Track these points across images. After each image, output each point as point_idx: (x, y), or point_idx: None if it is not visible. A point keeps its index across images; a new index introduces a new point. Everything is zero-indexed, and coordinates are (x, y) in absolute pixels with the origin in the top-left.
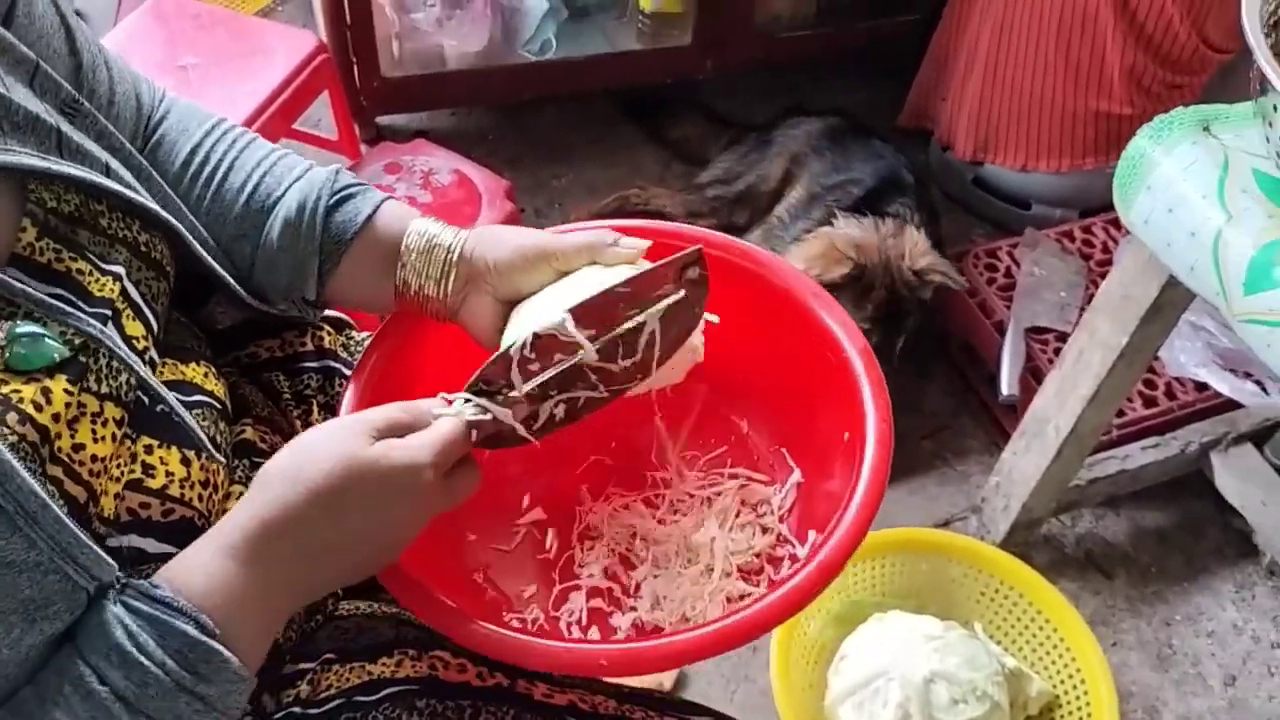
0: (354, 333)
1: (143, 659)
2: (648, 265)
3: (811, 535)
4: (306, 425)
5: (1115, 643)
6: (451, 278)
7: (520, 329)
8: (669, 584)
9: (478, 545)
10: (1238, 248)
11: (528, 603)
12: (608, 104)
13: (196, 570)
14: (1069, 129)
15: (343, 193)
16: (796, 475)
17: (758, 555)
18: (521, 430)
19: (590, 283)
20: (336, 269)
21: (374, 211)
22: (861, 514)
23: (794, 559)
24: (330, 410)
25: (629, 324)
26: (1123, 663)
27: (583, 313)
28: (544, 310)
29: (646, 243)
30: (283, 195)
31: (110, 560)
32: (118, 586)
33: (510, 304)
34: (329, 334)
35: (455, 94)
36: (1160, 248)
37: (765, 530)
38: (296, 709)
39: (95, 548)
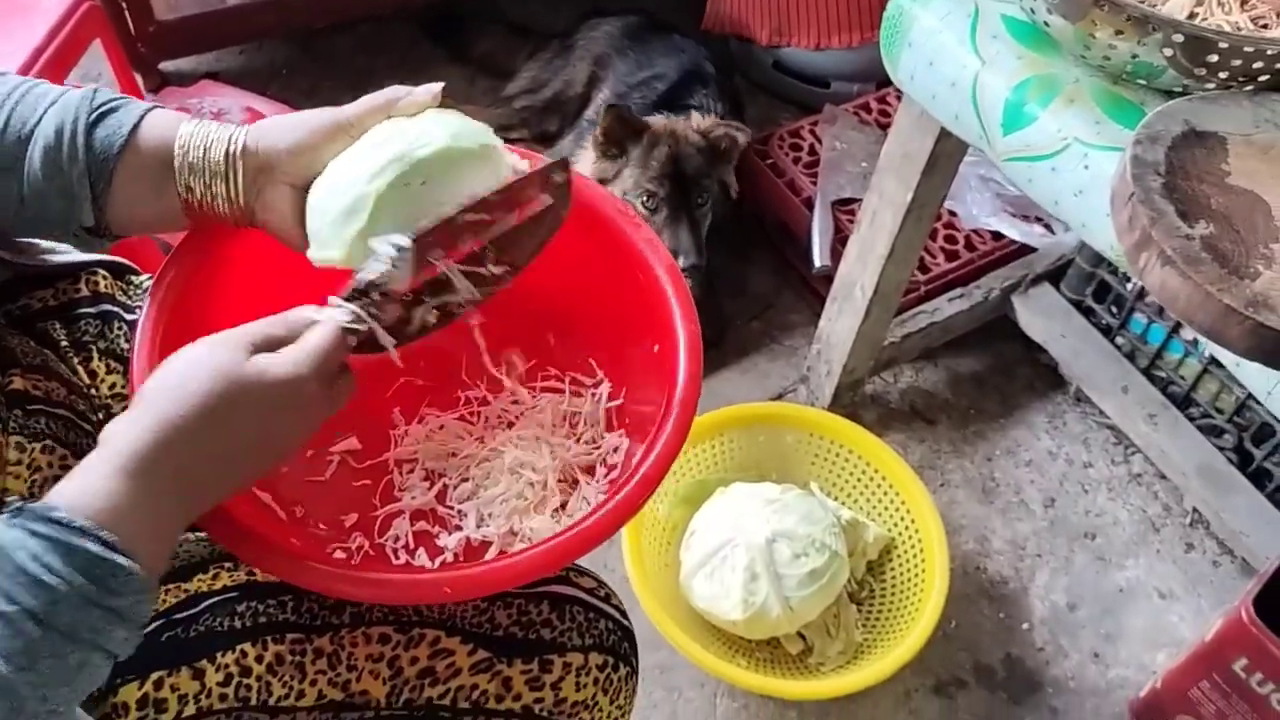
0: (134, 276)
1: (51, 579)
2: (520, 174)
3: (624, 442)
4: (89, 373)
5: (944, 483)
6: (238, 174)
7: (323, 189)
8: (492, 501)
9: (290, 479)
10: (993, 91)
11: (350, 532)
12: (405, 26)
13: (90, 488)
14: (856, 4)
15: (103, 108)
16: (606, 385)
17: (575, 466)
18: (388, 340)
19: (389, 129)
20: (110, 188)
21: (139, 121)
22: (678, 424)
23: (609, 465)
24: (112, 355)
25: (500, 229)
26: (951, 500)
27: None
28: (350, 162)
29: (440, 85)
30: (39, 122)
31: None
32: (12, 511)
33: (307, 189)
34: (104, 278)
35: (238, 30)
36: (927, 101)
37: (580, 439)
38: None
39: None
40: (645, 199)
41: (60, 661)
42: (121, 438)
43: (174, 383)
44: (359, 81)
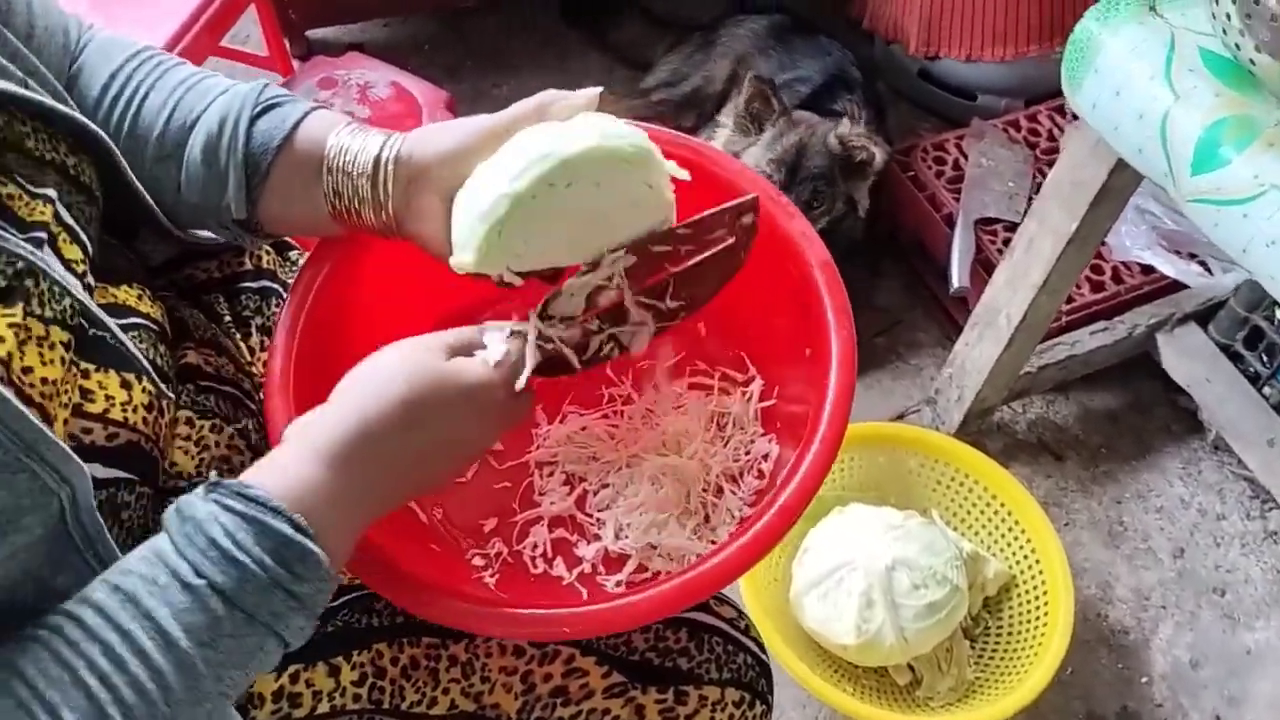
0: (293, 253)
1: (241, 555)
2: (708, 211)
3: (775, 449)
4: (248, 349)
5: (1068, 522)
6: (388, 182)
7: (466, 191)
8: (631, 511)
9: None
10: (1185, 128)
11: (489, 537)
12: (547, 9)
13: (286, 474)
14: (1013, 16)
15: (268, 102)
16: (759, 383)
17: (722, 473)
18: (575, 361)
19: (538, 130)
20: (266, 184)
21: (301, 119)
22: (822, 453)
23: (759, 473)
24: (268, 333)
25: (684, 265)
26: (1075, 541)
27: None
28: (495, 162)
29: (597, 90)
30: (205, 110)
31: (79, 461)
32: (207, 485)
33: None
34: (267, 254)
35: (384, 3)
36: (1108, 131)
37: (727, 443)
38: None
39: (62, 444)
40: None
41: (239, 642)
42: (318, 430)
43: (373, 380)
44: (499, 61)
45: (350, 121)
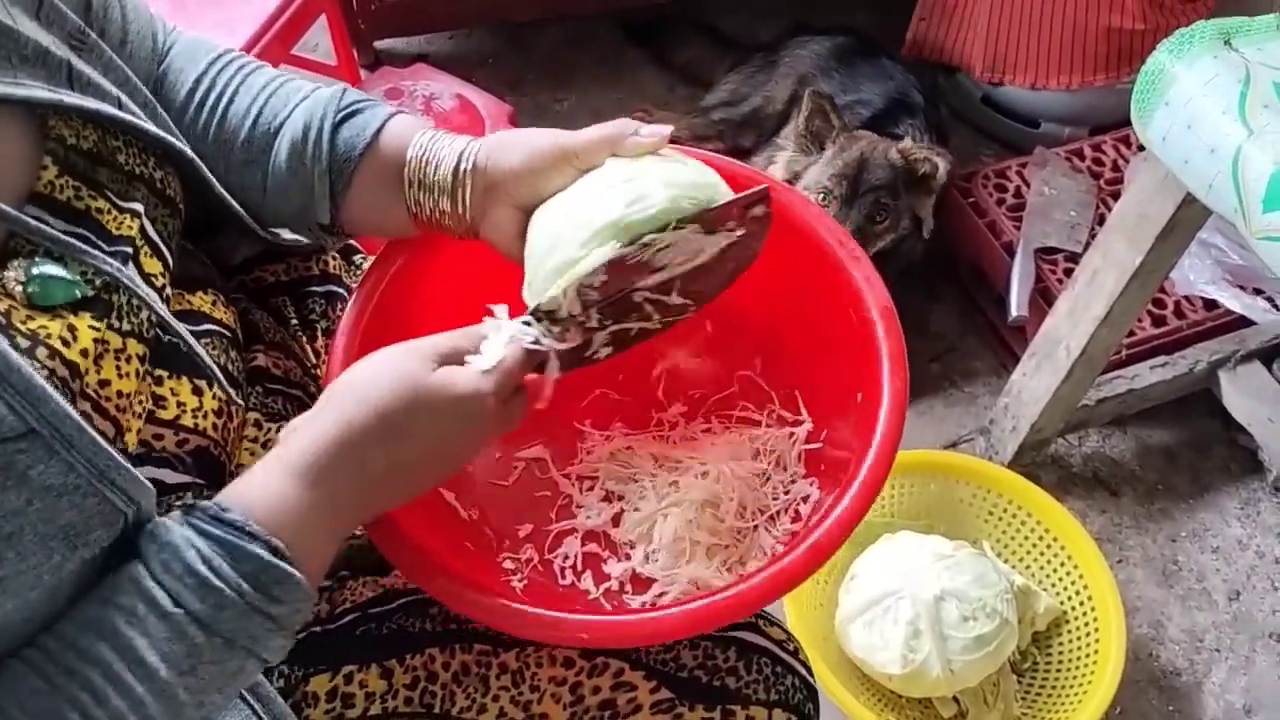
0: (359, 257)
1: (218, 582)
2: (717, 201)
3: (815, 492)
4: (314, 352)
5: (1121, 559)
6: (466, 192)
7: (542, 235)
8: (663, 536)
9: (474, 479)
10: (1258, 164)
11: (522, 543)
12: (610, 26)
13: (263, 492)
14: (1080, 45)
15: (349, 108)
16: (807, 425)
17: (759, 510)
18: (554, 371)
19: (611, 178)
20: (349, 189)
21: (383, 125)
22: (860, 497)
23: (796, 515)
24: (332, 336)
25: (691, 258)
26: (1129, 579)
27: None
28: (570, 211)
29: (668, 129)
30: (289, 116)
31: (147, 483)
32: (184, 509)
33: (530, 211)
34: (333, 258)
35: (454, 15)
36: (1178, 165)
37: (767, 480)
38: (316, 628)
39: (132, 469)
40: (821, 196)
41: (219, 667)
42: (299, 440)
43: (359, 387)
44: (561, 76)
45: (426, 128)
